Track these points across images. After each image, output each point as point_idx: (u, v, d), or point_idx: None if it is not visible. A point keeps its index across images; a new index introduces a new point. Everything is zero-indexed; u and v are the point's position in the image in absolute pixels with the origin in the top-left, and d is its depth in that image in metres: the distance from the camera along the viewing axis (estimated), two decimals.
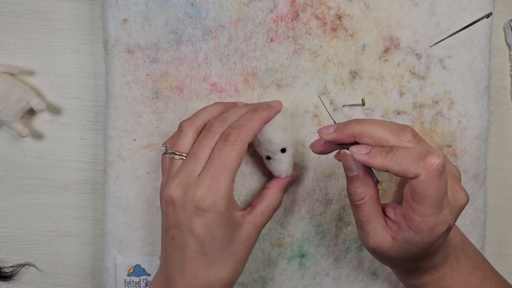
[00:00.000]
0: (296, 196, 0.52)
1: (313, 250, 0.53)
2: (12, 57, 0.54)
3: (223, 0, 0.49)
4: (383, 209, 0.41)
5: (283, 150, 0.46)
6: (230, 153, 0.40)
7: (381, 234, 0.40)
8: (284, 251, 0.52)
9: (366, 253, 0.53)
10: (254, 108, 0.44)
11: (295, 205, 0.52)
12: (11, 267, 0.55)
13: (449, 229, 0.37)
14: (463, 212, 0.52)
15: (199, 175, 0.40)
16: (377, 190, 0.41)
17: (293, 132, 0.50)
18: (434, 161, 0.35)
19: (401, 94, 0.51)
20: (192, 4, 0.49)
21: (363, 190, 0.40)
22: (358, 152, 0.38)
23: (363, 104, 0.46)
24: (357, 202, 0.40)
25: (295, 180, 0.50)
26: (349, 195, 0.41)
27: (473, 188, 0.52)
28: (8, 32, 0.54)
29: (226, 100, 0.50)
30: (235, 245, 0.42)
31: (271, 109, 0.44)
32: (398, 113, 0.51)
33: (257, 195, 0.47)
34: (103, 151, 0.51)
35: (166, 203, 0.41)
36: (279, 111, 0.45)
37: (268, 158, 0.47)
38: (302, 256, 0.53)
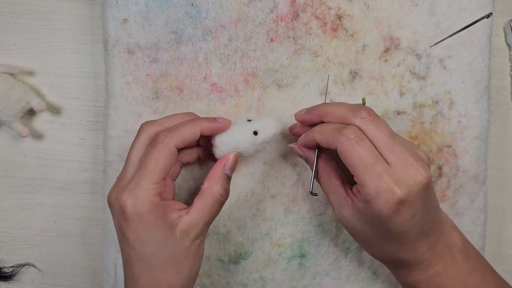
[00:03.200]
0: (296, 196, 0.52)
1: (313, 250, 0.53)
2: (12, 57, 0.54)
3: (223, 0, 0.49)
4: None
5: (249, 120, 0.45)
6: (154, 154, 0.40)
7: (342, 204, 0.42)
8: (284, 251, 0.52)
9: (366, 253, 0.53)
10: (195, 117, 0.44)
11: (295, 205, 0.52)
12: (11, 267, 0.55)
13: (403, 203, 0.38)
14: (463, 212, 0.52)
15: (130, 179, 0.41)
16: (333, 164, 0.44)
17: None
18: (348, 132, 0.38)
19: (401, 94, 0.51)
20: (192, 4, 0.49)
21: (307, 153, 0.45)
22: (299, 114, 0.45)
23: (364, 104, 0.46)
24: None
25: (231, 163, 0.44)
26: None
27: (473, 188, 0.52)
28: (8, 32, 0.54)
29: (226, 100, 0.50)
30: (171, 247, 0.40)
31: (212, 122, 0.43)
32: (398, 113, 0.51)
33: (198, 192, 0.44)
34: (103, 151, 0.51)
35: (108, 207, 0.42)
36: (223, 128, 0.44)
37: (256, 133, 0.45)
38: (302, 256, 0.53)
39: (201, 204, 0.42)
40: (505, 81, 0.56)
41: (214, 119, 0.43)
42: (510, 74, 0.56)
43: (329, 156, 0.45)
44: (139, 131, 0.43)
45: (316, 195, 0.44)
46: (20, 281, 0.56)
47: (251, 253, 0.52)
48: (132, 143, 0.43)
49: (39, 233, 0.55)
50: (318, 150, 0.44)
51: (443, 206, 0.52)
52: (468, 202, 0.52)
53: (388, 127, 0.40)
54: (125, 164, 0.43)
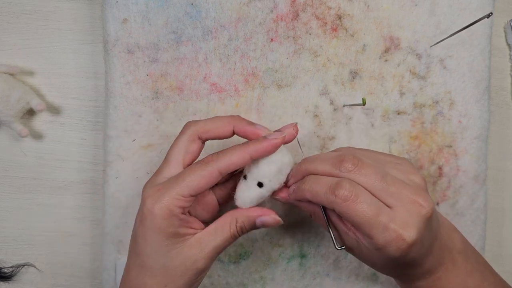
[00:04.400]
0: None
1: (313, 250, 0.52)
2: (12, 57, 0.54)
3: (223, 0, 0.49)
4: None
5: (260, 185, 0.42)
6: (196, 172, 0.39)
7: (345, 238, 0.41)
8: (285, 251, 0.52)
9: None
10: (248, 144, 0.41)
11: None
12: (11, 267, 0.55)
13: (415, 244, 0.37)
14: (463, 212, 0.52)
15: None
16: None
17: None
18: (342, 193, 0.37)
19: (402, 94, 0.51)
20: (192, 4, 0.49)
21: (305, 206, 0.43)
22: (284, 197, 0.44)
23: (364, 104, 0.45)
24: (313, 219, 0.44)
25: (269, 221, 0.42)
26: None
27: (474, 188, 0.52)
28: (8, 32, 0.54)
29: (226, 100, 0.50)
30: (170, 258, 0.40)
31: (263, 147, 0.41)
32: (398, 113, 0.51)
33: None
34: (103, 151, 0.51)
35: None
36: (269, 152, 0.41)
37: (260, 185, 0.42)
38: (303, 256, 0.53)
39: (220, 224, 0.41)
40: (505, 81, 0.56)
41: (264, 138, 0.41)
42: (510, 74, 0.56)
43: None
44: (183, 130, 0.42)
45: (344, 248, 0.42)
46: (20, 281, 0.56)
47: (251, 253, 0.52)
48: (175, 141, 0.42)
49: (39, 233, 0.55)
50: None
51: (443, 206, 0.52)
52: (468, 202, 0.52)
53: (375, 169, 0.39)
54: (164, 160, 0.42)
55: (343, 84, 0.51)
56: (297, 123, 0.43)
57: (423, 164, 0.52)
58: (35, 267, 0.55)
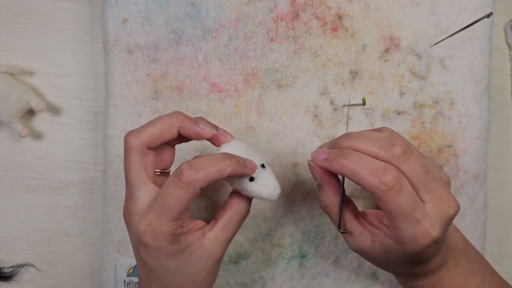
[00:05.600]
0: (296, 196, 0.52)
1: (313, 250, 0.52)
2: (12, 57, 0.54)
3: (223, 0, 0.49)
4: (366, 214, 0.43)
5: (263, 166, 0.41)
6: (177, 194, 0.37)
7: (359, 238, 0.41)
8: (285, 251, 0.52)
9: None
10: (226, 156, 0.39)
11: (295, 205, 0.52)
12: (11, 267, 0.55)
13: (436, 242, 0.37)
14: (463, 212, 0.52)
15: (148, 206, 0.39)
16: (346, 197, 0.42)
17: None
18: (389, 180, 0.36)
19: (402, 94, 0.51)
20: (192, 4, 0.49)
21: (326, 199, 0.42)
22: (317, 159, 0.40)
23: (364, 104, 0.45)
24: (323, 209, 0.43)
25: None
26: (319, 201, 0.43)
27: (474, 188, 0.52)
28: (7, 32, 0.54)
29: (226, 100, 0.50)
30: (192, 266, 0.39)
31: (241, 167, 0.39)
32: (398, 113, 0.51)
33: (221, 206, 0.42)
34: (103, 151, 0.51)
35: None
36: (248, 173, 0.40)
37: (252, 179, 0.40)
38: (303, 256, 0.52)
39: (227, 220, 0.41)
40: (506, 81, 0.56)
41: (244, 163, 0.40)
42: (511, 74, 0.56)
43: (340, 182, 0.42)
44: (126, 148, 0.39)
45: (346, 232, 0.42)
46: (20, 281, 0.56)
47: (251, 253, 0.52)
48: (125, 162, 0.40)
49: (38, 233, 0.55)
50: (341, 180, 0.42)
51: None
52: (468, 202, 0.52)
53: (421, 161, 0.38)
54: (128, 185, 0.40)
55: (343, 84, 0.51)
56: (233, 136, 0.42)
57: None
58: (35, 267, 0.55)
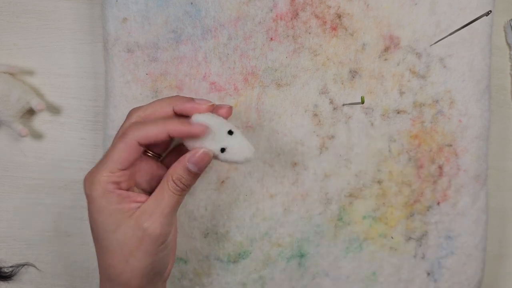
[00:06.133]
0: (296, 196, 0.51)
1: (312, 250, 0.52)
2: (12, 57, 0.54)
3: None
4: None
5: (230, 132, 0.40)
6: (117, 145, 0.39)
7: None
8: (284, 251, 0.52)
9: (365, 253, 0.52)
10: (170, 118, 0.41)
11: (294, 204, 0.52)
12: (11, 267, 0.55)
13: None
14: (464, 212, 0.52)
15: None
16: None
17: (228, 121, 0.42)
18: None
19: (401, 93, 0.51)
20: (191, 3, 0.49)
21: None
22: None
23: (363, 102, 0.45)
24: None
25: (197, 158, 0.40)
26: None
27: (475, 188, 0.52)
28: (7, 32, 0.54)
29: (226, 99, 0.50)
30: (121, 233, 0.39)
31: (184, 125, 0.39)
32: (398, 112, 0.51)
33: None
34: (103, 151, 0.51)
35: None
36: (195, 135, 0.40)
37: (223, 150, 0.40)
38: (302, 256, 0.52)
39: (158, 193, 0.40)
40: (506, 80, 0.56)
41: (189, 123, 0.40)
42: (511, 74, 0.56)
43: None
44: (127, 116, 0.42)
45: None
46: (20, 281, 0.56)
47: (250, 253, 0.52)
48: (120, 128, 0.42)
49: (38, 233, 0.55)
50: None
51: (444, 206, 0.52)
52: (469, 202, 0.52)
53: None
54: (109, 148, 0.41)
55: (342, 83, 0.51)
56: (232, 107, 0.43)
57: (423, 163, 0.52)
58: (35, 267, 0.55)
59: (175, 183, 0.40)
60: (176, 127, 0.39)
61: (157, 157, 0.44)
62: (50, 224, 0.55)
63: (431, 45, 0.51)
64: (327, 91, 0.51)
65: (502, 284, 0.58)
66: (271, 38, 0.50)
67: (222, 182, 0.51)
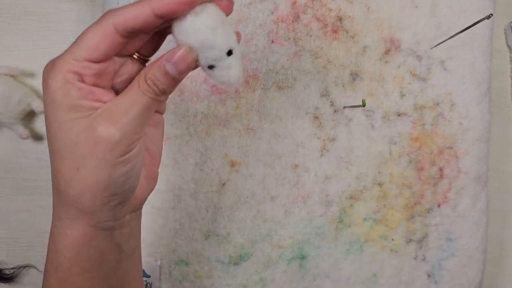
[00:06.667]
0: (297, 197, 0.51)
1: (313, 251, 0.52)
2: (13, 59, 0.54)
3: None
4: None
5: (230, 53, 0.33)
6: (87, 30, 0.31)
7: None
8: (285, 252, 0.52)
9: (366, 255, 0.53)
10: None
11: (295, 206, 0.52)
12: (12, 268, 0.55)
13: None
14: (465, 214, 0.52)
15: None
16: None
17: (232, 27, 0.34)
18: None
19: (402, 95, 0.51)
20: None
21: None
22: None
23: (364, 105, 0.45)
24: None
25: (177, 57, 0.32)
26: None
27: (475, 190, 0.52)
28: (8, 34, 0.54)
29: (227, 102, 0.50)
30: (75, 135, 0.31)
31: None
32: (399, 115, 0.51)
33: None
34: None
35: None
36: (184, 8, 0.30)
37: (211, 67, 0.33)
38: (303, 257, 0.52)
39: (126, 93, 0.32)
40: (506, 83, 0.56)
41: None
42: (511, 76, 0.56)
43: None
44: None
45: None
46: (21, 282, 0.56)
47: (251, 255, 0.52)
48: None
49: (40, 234, 0.55)
50: None
51: (445, 208, 0.52)
52: (470, 204, 0.52)
53: None
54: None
55: (343, 86, 0.51)
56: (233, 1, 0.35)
57: (424, 165, 0.52)
58: (36, 268, 0.55)
59: (147, 83, 0.32)
60: (163, 5, 0.30)
61: (146, 61, 0.36)
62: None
63: (431, 48, 0.51)
64: (328, 94, 0.51)
65: (502, 285, 0.58)
66: (272, 41, 0.50)
67: (223, 184, 0.51)
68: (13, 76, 0.52)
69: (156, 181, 0.38)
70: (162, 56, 0.32)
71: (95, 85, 0.32)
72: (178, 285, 0.52)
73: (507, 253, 0.58)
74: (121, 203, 0.33)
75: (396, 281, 0.53)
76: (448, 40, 0.49)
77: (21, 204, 0.55)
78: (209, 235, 0.51)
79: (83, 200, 0.32)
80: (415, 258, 0.53)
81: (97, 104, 0.32)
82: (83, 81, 0.32)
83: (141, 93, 0.32)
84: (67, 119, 0.31)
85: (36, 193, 0.55)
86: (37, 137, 0.54)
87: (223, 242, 0.51)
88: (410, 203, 0.52)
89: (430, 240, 0.53)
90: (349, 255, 0.53)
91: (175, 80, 0.32)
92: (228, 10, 0.34)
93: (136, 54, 0.35)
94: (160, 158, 0.38)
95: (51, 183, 0.53)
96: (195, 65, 0.32)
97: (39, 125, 0.54)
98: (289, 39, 0.50)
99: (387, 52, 0.51)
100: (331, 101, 0.51)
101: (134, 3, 0.31)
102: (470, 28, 0.45)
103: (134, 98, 0.32)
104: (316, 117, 0.51)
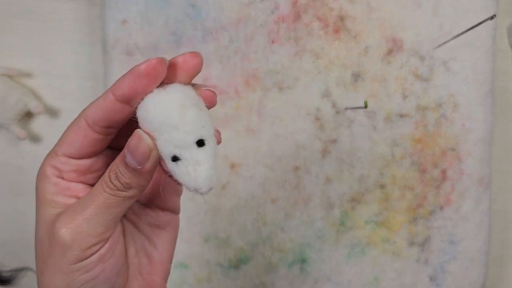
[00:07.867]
0: (298, 200, 0.51)
1: (314, 255, 0.52)
2: (10, 59, 0.53)
3: (223, 1, 0.49)
4: None
5: (201, 143, 0.26)
6: (70, 124, 0.30)
7: None
8: (285, 256, 0.52)
9: (368, 258, 0.52)
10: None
11: (296, 209, 0.51)
12: (10, 271, 0.55)
13: None
14: (467, 216, 0.52)
15: None
16: None
17: (211, 120, 0.29)
18: None
19: (404, 96, 0.51)
20: (192, 5, 0.49)
21: None
22: None
23: (366, 107, 0.45)
24: None
25: (136, 148, 0.27)
26: None
27: (478, 192, 0.52)
28: (6, 34, 0.53)
29: (226, 102, 0.50)
30: (40, 232, 0.30)
31: (134, 76, 0.27)
32: (401, 116, 0.51)
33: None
34: None
35: None
36: (142, 81, 0.27)
37: (175, 159, 0.26)
38: (303, 261, 0.52)
39: (91, 190, 0.29)
40: (509, 83, 0.56)
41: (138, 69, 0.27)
42: None
43: None
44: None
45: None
46: (19, 285, 0.55)
47: (251, 258, 0.52)
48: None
49: None
50: None
51: (448, 211, 0.52)
52: (472, 205, 0.52)
53: None
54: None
55: (345, 87, 0.50)
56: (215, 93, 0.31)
57: (426, 167, 0.51)
58: (33, 271, 0.55)
59: (110, 177, 0.28)
60: (119, 83, 0.27)
61: None
62: None
63: (434, 48, 0.50)
64: (330, 95, 0.50)
65: (504, 286, 0.58)
66: (273, 41, 0.50)
67: (223, 186, 0.50)
68: (11, 76, 0.52)
69: None
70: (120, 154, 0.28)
71: (78, 181, 0.30)
72: None
73: (509, 253, 0.57)
74: None
75: (398, 284, 0.53)
76: (451, 41, 0.49)
77: (18, 205, 0.55)
78: (208, 238, 0.51)
79: None
80: (417, 261, 0.53)
81: (71, 201, 0.30)
82: (61, 177, 0.30)
83: (101, 189, 0.28)
84: (41, 214, 0.30)
85: (33, 194, 0.54)
86: (34, 138, 0.54)
87: (223, 245, 0.51)
88: (413, 206, 0.52)
89: (432, 242, 0.52)
90: (350, 258, 0.52)
91: (139, 173, 0.27)
92: (209, 100, 0.30)
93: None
94: (167, 266, 0.34)
95: None
96: (158, 155, 0.27)
97: (37, 126, 0.54)
98: (290, 39, 0.50)
99: (389, 52, 0.50)
100: (332, 102, 0.50)
101: (102, 95, 0.29)
102: (473, 29, 0.45)
103: (92, 195, 0.29)
104: (317, 118, 0.51)
